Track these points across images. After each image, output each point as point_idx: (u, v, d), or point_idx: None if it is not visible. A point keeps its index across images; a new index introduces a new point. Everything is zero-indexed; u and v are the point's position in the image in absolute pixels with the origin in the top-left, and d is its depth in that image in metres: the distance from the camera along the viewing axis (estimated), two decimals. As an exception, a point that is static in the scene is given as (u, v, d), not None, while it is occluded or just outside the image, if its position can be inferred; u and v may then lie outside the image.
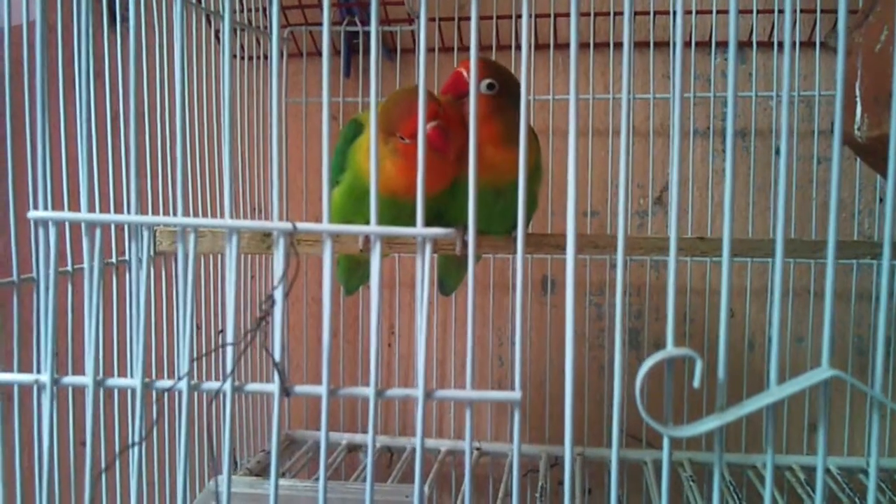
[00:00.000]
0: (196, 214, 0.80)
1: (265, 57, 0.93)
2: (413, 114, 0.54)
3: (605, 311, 0.97)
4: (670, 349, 0.37)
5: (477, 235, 0.40)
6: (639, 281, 0.95)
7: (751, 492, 0.85)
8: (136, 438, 0.39)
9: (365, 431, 0.96)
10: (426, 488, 0.74)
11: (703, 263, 0.92)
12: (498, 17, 0.92)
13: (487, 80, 0.60)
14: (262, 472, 0.85)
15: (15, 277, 0.51)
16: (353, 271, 0.78)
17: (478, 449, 0.93)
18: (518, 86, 0.60)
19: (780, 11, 0.86)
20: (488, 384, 1.01)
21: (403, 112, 0.57)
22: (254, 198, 0.92)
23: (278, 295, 0.38)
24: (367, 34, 0.95)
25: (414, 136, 0.55)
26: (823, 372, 0.37)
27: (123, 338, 0.64)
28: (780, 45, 0.65)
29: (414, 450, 0.86)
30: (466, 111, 0.59)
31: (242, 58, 0.91)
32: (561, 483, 0.74)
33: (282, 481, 0.64)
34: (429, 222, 0.40)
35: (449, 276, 0.81)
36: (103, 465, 0.41)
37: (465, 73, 0.60)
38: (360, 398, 0.40)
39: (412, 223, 0.40)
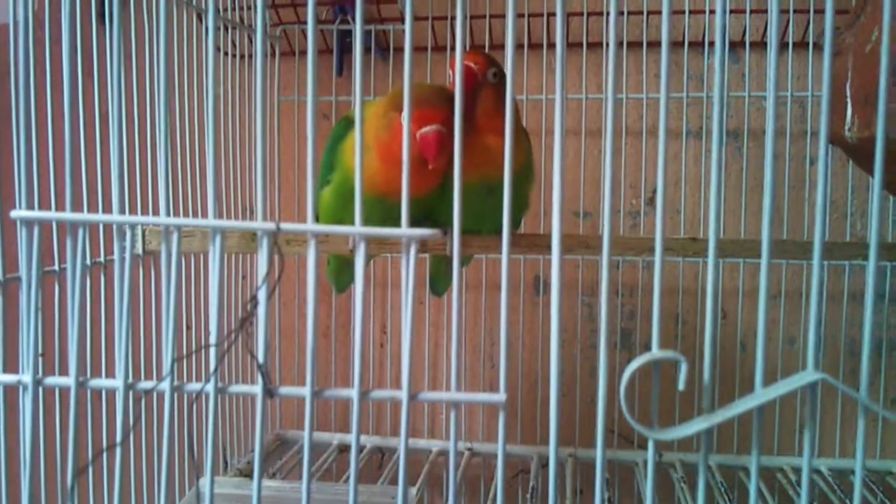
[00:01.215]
0: (187, 214, 0.79)
1: (257, 55, 0.92)
2: (430, 106, 0.54)
3: (598, 312, 0.97)
4: (655, 352, 0.37)
5: (467, 235, 0.40)
6: (631, 282, 0.95)
7: (742, 493, 0.85)
8: (118, 439, 0.39)
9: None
10: (415, 490, 0.74)
11: (696, 264, 0.92)
12: (491, 17, 0.92)
13: (493, 70, 0.60)
14: (251, 472, 0.85)
15: (0, 277, 0.51)
16: (342, 270, 0.78)
17: (469, 449, 0.93)
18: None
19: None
20: (480, 385, 1.01)
21: (423, 100, 0.54)
22: (245, 198, 0.92)
23: (262, 295, 0.38)
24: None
25: (419, 127, 0.54)
26: (808, 375, 0.37)
27: (112, 338, 0.63)
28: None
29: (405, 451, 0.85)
30: (477, 103, 0.59)
31: (234, 56, 0.91)
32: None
33: (269, 482, 0.63)
34: (419, 222, 0.39)
35: (441, 276, 0.81)
36: (87, 465, 0.41)
37: (473, 66, 0.59)
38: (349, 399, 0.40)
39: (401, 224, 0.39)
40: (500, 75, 0.61)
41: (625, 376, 0.37)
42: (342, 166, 0.63)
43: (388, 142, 0.58)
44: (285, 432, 0.97)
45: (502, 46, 0.93)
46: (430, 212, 0.62)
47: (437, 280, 0.82)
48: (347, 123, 0.65)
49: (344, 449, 0.94)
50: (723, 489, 0.79)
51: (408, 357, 0.38)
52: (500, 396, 0.39)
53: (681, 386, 0.36)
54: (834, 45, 0.38)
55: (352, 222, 0.39)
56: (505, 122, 0.58)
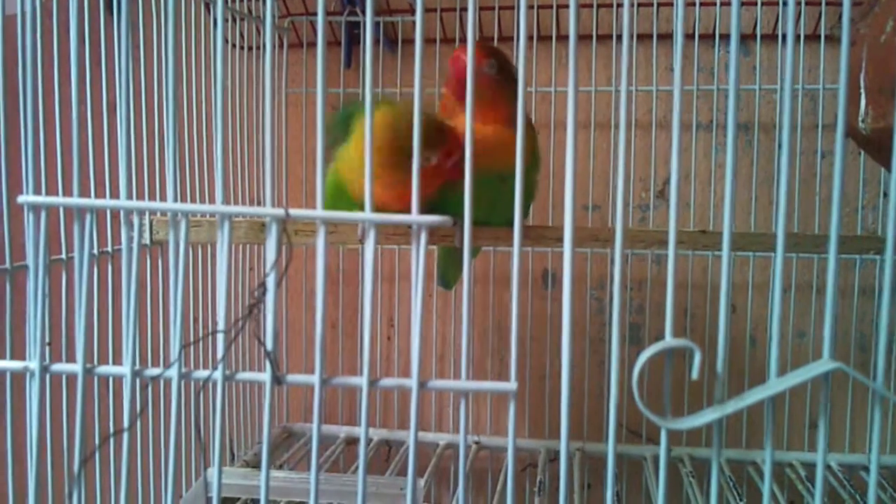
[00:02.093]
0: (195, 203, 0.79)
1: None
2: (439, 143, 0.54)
3: (607, 306, 0.97)
4: (669, 340, 0.37)
5: (477, 226, 0.39)
6: (640, 275, 0.95)
7: (751, 488, 0.84)
8: (125, 426, 0.39)
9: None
10: (422, 482, 0.73)
11: (705, 258, 0.92)
12: (500, 8, 0.91)
13: (490, 61, 0.60)
14: (258, 463, 0.85)
15: (8, 264, 0.51)
16: (448, 265, 0.79)
17: (476, 443, 0.92)
18: (516, 69, 0.60)
19: (785, 4, 0.85)
20: (488, 378, 1.01)
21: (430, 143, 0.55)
22: (252, 192, 0.92)
23: (270, 282, 0.38)
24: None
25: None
26: (824, 364, 0.37)
27: (119, 328, 0.63)
28: (785, 37, 0.64)
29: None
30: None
31: (243, 47, 0.91)
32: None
33: (276, 473, 0.63)
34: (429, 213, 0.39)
35: (450, 269, 0.81)
36: (94, 452, 0.41)
37: (463, 56, 0.59)
38: (358, 390, 0.40)
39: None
40: (502, 67, 0.60)
41: (637, 364, 0.37)
42: (337, 170, 0.62)
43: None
44: (292, 426, 0.97)
45: (511, 38, 0.92)
46: (438, 205, 0.62)
47: (447, 273, 0.81)
48: (349, 119, 0.63)
49: (351, 442, 0.94)
50: (731, 483, 0.78)
51: (418, 343, 0.38)
52: (511, 385, 0.38)
53: (695, 375, 0.35)
54: (848, 36, 0.37)
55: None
56: (506, 113, 0.58)
